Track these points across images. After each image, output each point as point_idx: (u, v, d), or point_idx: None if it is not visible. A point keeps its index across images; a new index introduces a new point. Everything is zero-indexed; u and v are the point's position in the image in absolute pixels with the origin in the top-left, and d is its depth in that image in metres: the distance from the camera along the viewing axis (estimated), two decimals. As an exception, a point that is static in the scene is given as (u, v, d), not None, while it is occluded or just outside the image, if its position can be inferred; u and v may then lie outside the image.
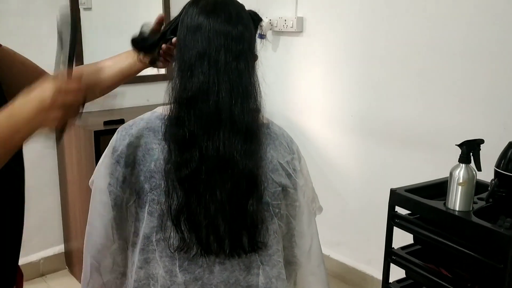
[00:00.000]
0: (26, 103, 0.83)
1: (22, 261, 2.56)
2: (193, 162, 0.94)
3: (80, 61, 2.64)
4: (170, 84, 0.99)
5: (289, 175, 1.06)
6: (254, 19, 1.07)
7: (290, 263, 1.13)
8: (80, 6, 2.65)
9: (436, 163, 1.92)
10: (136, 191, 1.00)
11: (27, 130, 0.85)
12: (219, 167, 0.94)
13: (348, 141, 2.60)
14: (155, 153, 0.99)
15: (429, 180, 1.75)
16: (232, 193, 0.95)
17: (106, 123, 2.41)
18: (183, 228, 0.95)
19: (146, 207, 0.99)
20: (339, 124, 2.64)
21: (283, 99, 2.90)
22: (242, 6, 1.04)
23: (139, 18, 2.87)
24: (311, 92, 2.75)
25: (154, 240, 0.99)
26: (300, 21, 2.69)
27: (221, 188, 0.94)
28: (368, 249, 2.57)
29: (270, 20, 2.79)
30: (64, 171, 2.65)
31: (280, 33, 2.83)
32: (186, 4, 1.03)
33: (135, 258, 1.02)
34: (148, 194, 0.99)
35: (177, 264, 0.98)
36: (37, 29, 2.51)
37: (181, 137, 0.95)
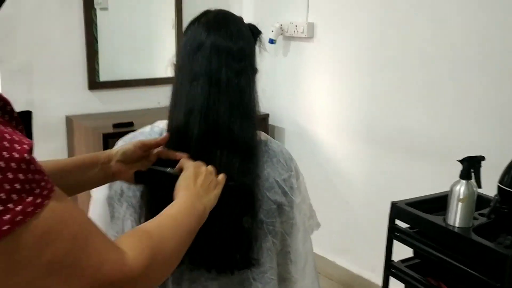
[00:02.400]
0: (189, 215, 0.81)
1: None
2: None
3: (95, 61, 2.68)
4: (170, 100, 1.00)
5: (285, 193, 1.05)
6: (254, 32, 1.06)
7: (284, 280, 1.13)
8: (96, 6, 2.69)
9: (444, 173, 1.90)
10: (132, 205, 1.02)
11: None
12: None
13: (356, 148, 2.59)
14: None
15: (437, 191, 1.73)
16: (226, 211, 0.95)
17: (115, 125, 2.44)
18: None
19: (142, 221, 1.00)
20: (347, 131, 2.63)
21: (292, 104, 2.90)
22: (241, 20, 1.04)
23: (152, 18, 2.92)
24: (320, 97, 2.75)
25: None
26: (311, 26, 2.69)
27: (215, 205, 0.95)
28: (373, 257, 2.55)
29: (281, 25, 2.79)
30: (74, 171, 2.69)
31: (290, 38, 2.83)
32: (190, 22, 1.04)
33: None
34: (144, 208, 1.00)
35: (170, 279, 1.00)
36: (50, 32, 2.56)
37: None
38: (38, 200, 0.52)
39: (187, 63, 0.98)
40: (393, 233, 1.62)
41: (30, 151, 0.52)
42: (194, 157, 0.94)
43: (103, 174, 0.95)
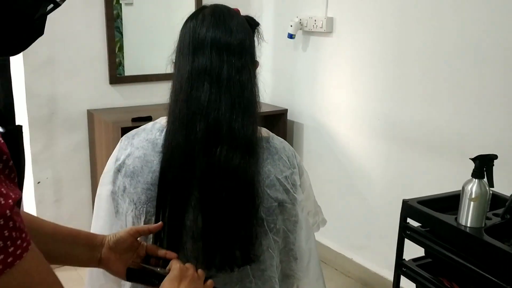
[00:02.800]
0: None
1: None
2: (187, 177, 0.95)
3: (116, 56, 2.72)
4: (170, 97, 1.01)
5: (287, 190, 1.04)
6: (252, 24, 1.05)
7: (288, 277, 1.12)
8: (121, 1, 2.74)
9: (463, 170, 1.86)
10: (134, 202, 1.02)
11: None
12: (213, 182, 0.95)
13: (374, 144, 2.55)
14: (153, 165, 1.01)
15: (455, 189, 1.69)
16: (226, 208, 0.95)
17: (134, 119, 2.48)
18: (167, 242, 0.97)
19: (143, 218, 1.01)
20: (365, 126, 2.59)
21: (311, 99, 2.88)
22: (238, 14, 1.03)
23: (173, 13, 2.94)
24: (339, 93, 2.72)
25: None
26: (330, 21, 2.66)
27: (214, 202, 0.95)
28: (391, 255, 2.51)
29: (300, 20, 2.77)
30: (95, 165, 2.75)
31: (310, 33, 2.80)
32: (186, 18, 1.04)
33: None
34: (145, 205, 1.00)
35: None
36: (72, 27, 2.60)
37: (178, 152, 0.96)
38: (9, 259, 0.51)
39: (187, 61, 0.98)
40: (404, 232, 1.59)
41: (13, 206, 0.52)
42: (193, 153, 0.94)
43: (89, 256, 0.95)
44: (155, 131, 1.05)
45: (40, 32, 0.67)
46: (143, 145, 1.03)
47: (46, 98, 2.59)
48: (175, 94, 1.00)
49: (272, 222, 1.03)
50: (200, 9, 1.03)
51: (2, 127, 0.68)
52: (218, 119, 0.95)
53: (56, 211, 2.73)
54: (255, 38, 1.05)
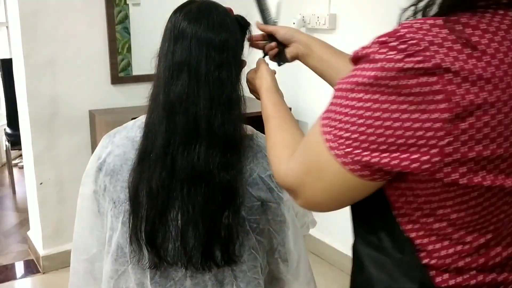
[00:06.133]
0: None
1: (61, 248, 2.70)
2: (163, 174, 0.93)
3: (129, 53, 2.71)
4: (150, 92, 0.99)
5: (271, 189, 1.02)
6: (241, 23, 1.03)
7: (277, 279, 1.10)
8: (129, 2, 2.72)
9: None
10: (113, 200, 1.01)
11: None
12: (192, 180, 0.93)
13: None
14: (132, 163, 0.99)
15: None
16: (205, 206, 0.93)
17: (134, 119, 2.46)
18: (144, 241, 0.94)
19: (121, 218, 0.99)
20: (370, 125, 2.55)
21: (315, 97, 2.85)
22: (227, 12, 1.01)
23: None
24: (343, 91, 2.68)
25: (127, 251, 0.99)
26: (333, 18, 2.62)
27: (193, 200, 0.93)
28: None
29: (303, 17, 2.74)
30: (98, 165, 2.73)
31: (313, 30, 2.77)
32: (172, 12, 1.02)
33: (108, 267, 1.03)
34: (123, 204, 0.99)
35: (148, 277, 0.98)
36: (74, 27, 2.59)
37: (154, 149, 0.94)
38: None
39: (167, 53, 0.96)
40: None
41: None
42: (170, 150, 0.93)
43: None
44: (135, 128, 1.04)
45: None
46: (123, 143, 1.02)
47: (48, 99, 2.58)
48: (157, 81, 0.98)
49: (255, 222, 1.00)
50: (188, 3, 1.01)
51: None
52: (197, 114, 0.93)
53: (58, 212, 2.72)
54: (245, 38, 1.03)
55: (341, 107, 0.63)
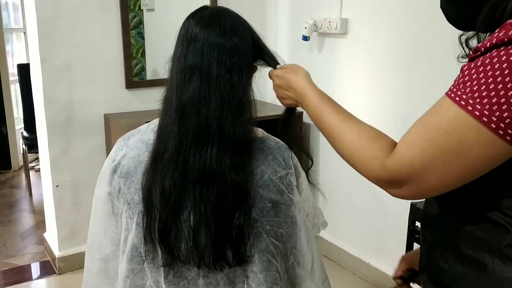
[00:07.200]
0: None
1: (76, 249, 2.75)
2: (176, 175, 0.95)
3: (143, 58, 2.75)
4: (163, 95, 1.01)
5: (281, 191, 1.03)
6: (252, 30, 1.06)
7: (294, 285, 1.10)
8: (143, 7, 2.78)
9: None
10: (127, 202, 1.03)
11: None
12: (204, 180, 0.95)
13: (390, 146, 2.52)
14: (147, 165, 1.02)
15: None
16: (217, 206, 0.95)
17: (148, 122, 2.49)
18: (158, 240, 0.97)
19: (135, 219, 1.02)
20: (381, 128, 2.53)
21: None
22: (239, 18, 1.04)
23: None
24: (354, 95, 2.70)
25: (142, 251, 1.02)
26: (345, 22, 2.64)
27: (205, 201, 0.95)
28: (408, 258, 2.48)
29: (315, 21, 2.76)
30: (112, 167, 2.77)
31: (324, 34, 2.79)
32: (186, 17, 1.05)
33: (123, 266, 1.05)
34: (138, 205, 1.01)
35: (162, 276, 1.01)
36: (90, 33, 2.65)
37: (166, 150, 0.96)
38: None
39: (180, 57, 0.99)
40: (413, 236, 1.57)
41: None
42: (182, 151, 0.95)
43: None
44: (149, 131, 1.06)
45: None
46: (137, 146, 1.05)
47: (64, 103, 2.63)
48: (169, 84, 1.01)
49: (268, 224, 1.02)
50: (200, 9, 1.04)
51: None
52: (208, 116, 0.96)
53: (74, 214, 2.77)
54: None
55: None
